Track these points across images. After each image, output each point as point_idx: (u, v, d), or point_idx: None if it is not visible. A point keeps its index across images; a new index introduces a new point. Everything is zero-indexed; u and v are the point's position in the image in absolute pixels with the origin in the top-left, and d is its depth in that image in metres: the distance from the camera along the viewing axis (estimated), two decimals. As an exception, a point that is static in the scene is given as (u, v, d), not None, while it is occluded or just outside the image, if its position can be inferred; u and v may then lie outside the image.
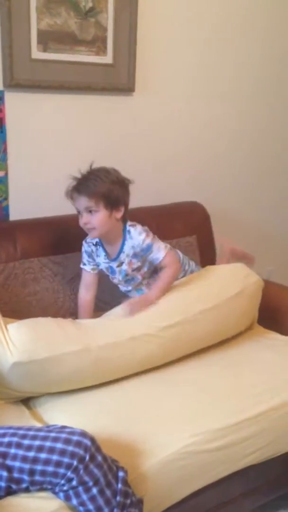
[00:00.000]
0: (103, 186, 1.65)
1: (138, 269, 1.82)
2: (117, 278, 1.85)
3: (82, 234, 2.01)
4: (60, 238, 1.97)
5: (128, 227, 1.76)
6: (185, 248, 2.20)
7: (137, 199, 2.10)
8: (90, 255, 1.84)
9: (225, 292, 1.80)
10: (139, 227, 1.76)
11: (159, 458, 1.31)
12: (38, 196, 2.07)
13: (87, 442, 1.13)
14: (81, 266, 1.86)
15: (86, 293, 1.85)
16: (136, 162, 2.27)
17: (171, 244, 2.16)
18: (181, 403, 1.49)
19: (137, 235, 1.74)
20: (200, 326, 1.71)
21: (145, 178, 2.31)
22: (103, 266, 1.84)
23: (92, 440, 1.15)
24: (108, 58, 2.06)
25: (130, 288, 1.88)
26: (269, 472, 1.60)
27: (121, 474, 1.18)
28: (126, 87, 2.14)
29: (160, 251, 1.74)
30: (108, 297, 1.94)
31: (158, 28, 2.18)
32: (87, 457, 1.12)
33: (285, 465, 1.62)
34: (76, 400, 1.50)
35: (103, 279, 1.89)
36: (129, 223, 1.78)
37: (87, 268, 1.85)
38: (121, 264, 1.79)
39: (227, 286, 1.83)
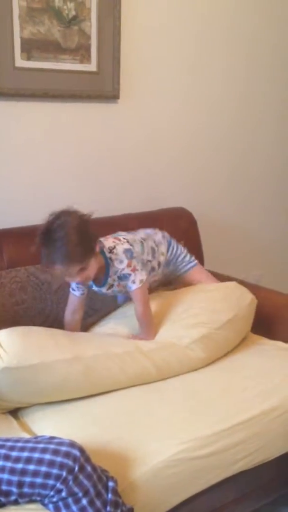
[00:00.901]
0: (80, 246, 1.55)
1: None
2: (111, 295, 1.87)
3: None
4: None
5: (108, 256, 1.69)
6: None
7: (124, 206, 2.11)
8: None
9: (217, 318, 1.79)
10: (120, 251, 1.69)
11: (149, 466, 1.30)
12: (23, 205, 2.06)
13: (76, 452, 1.12)
14: (70, 290, 1.78)
15: (73, 315, 1.80)
16: (122, 169, 2.27)
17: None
18: (171, 410, 1.48)
19: (118, 263, 1.69)
20: (191, 352, 1.71)
21: (132, 185, 2.31)
22: (94, 289, 1.81)
23: (81, 450, 1.14)
24: (92, 66, 2.06)
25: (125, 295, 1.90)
26: (261, 477, 1.59)
27: (111, 484, 1.17)
28: (111, 95, 2.14)
29: (134, 284, 1.70)
30: (98, 304, 1.95)
31: (142, 35, 2.19)
32: (76, 468, 1.11)
33: (276, 470, 1.62)
34: (64, 410, 1.49)
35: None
36: (106, 246, 1.69)
37: (77, 293, 1.77)
38: (111, 286, 1.77)
39: (220, 311, 1.81)
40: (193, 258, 2.02)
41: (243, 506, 1.60)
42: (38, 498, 1.12)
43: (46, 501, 1.12)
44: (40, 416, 1.48)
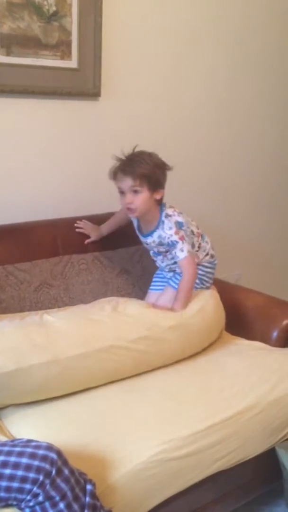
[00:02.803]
0: (147, 168, 1.75)
1: (165, 251, 1.91)
2: (149, 251, 2.00)
3: (49, 241, 1.99)
4: (26, 245, 1.94)
5: (163, 217, 1.84)
6: (154, 253, 2.20)
7: (105, 204, 2.10)
8: None
9: (186, 312, 1.81)
10: (173, 220, 1.83)
11: (127, 468, 1.29)
12: (1, 203, 2.03)
13: (53, 456, 1.11)
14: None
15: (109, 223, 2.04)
16: (103, 167, 2.24)
17: (139, 251, 2.18)
18: (149, 411, 1.48)
19: (167, 229, 1.83)
20: (166, 341, 1.71)
21: (113, 183, 2.29)
22: (138, 234, 1.97)
23: (59, 453, 1.13)
24: (73, 63, 2.04)
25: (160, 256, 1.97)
26: (239, 477, 1.60)
27: (89, 487, 1.16)
28: (92, 92, 2.12)
29: (182, 252, 1.82)
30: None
31: (124, 32, 2.18)
32: (54, 472, 1.09)
33: (254, 470, 1.62)
34: (43, 411, 1.47)
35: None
36: (166, 211, 1.86)
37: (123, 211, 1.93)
38: (152, 242, 1.91)
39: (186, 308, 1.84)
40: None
41: (222, 506, 1.60)
42: (15, 503, 1.11)
43: (22, 505, 1.11)
44: (18, 417, 1.46)
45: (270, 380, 1.67)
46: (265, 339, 1.96)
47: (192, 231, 1.94)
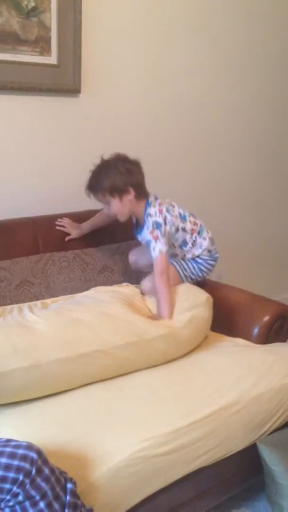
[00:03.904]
0: (106, 182, 1.85)
1: None
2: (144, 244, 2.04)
3: (30, 239, 1.98)
4: (6, 243, 1.92)
5: (147, 211, 1.91)
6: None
7: (86, 202, 2.08)
8: None
9: (177, 319, 1.81)
10: (152, 220, 1.90)
11: (109, 466, 1.29)
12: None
13: (33, 455, 1.10)
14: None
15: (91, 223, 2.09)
16: (83, 164, 2.23)
17: (121, 248, 2.17)
18: (131, 408, 1.47)
19: (146, 228, 1.92)
20: (152, 350, 1.70)
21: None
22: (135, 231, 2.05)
23: (39, 452, 1.12)
24: (52, 59, 2.02)
25: None
26: (221, 472, 1.61)
27: (69, 485, 1.15)
28: (72, 88, 2.11)
29: (154, 251, 1.89)
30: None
31: (104, 28, 2.17)
32: (33, 471, 1.08)
33: (236, 465, 1.63)
34: (23, 411, 1.45)
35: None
36: (149, 210, 1.91)
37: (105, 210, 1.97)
38: (140, 239, 2.00)
39: (177, 316, 1.83)
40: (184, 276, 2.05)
41: (204, 502, 1.61)
42: (-6, 503, 1.09)
43: (2, 505, 1.09)
44: (-2, 416, 1.45)
45: (252, 376, 1.68)
46: (247, 336, 1.97)
47: (183, 228, 1.98)
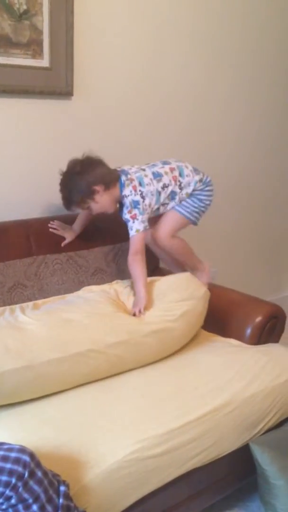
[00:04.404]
0: (72, 194, 1.87)
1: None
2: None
3: (22, 241, 1.98)
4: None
5: (123, 193, 1.90)
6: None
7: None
8: None
9: (170, 312, 1.81)
10: (129, 200, 1.89)
11: (102, 468, 1.29)
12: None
13: (26, 458, 1.10)
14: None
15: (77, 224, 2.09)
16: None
17: (114, 250, 2.18)
18: (124, 410, 1.48)
19: (124, 208, 1.92)
20: (145, 346, 1.71)
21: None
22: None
23: (32, 455, 1.12)
24: (45, 62, 2.03)
25: None
26: (214, 473, 1.62)
27: (62, 488, 1.16)
28: (64, 91, 2.11)
29: (131, 231, 1.91)
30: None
31: (96, 30, 2.17)
32: (26, 474, 1.09)
33: (229, 466, 1.64)
34: (16, 413, 1.46)
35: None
36: (125, 191, 1.90)
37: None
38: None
39: (173, 306, 1.84)
40: (191, 211, 2.05)
41: (197, 502, 1.62)
42: (-13, 506, 1.10)
43: (-5, 508, 1.10)
44: (-9, 419, 1.45)
45: (245, 377, 1.69)
46: (239, 336, 1.98)
47: (163, 186, 1.95)
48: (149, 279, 1.95)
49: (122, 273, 2.13)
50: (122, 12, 2.23)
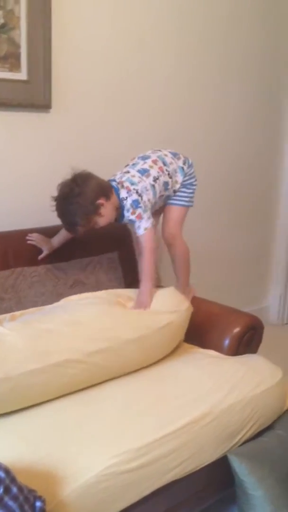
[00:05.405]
0: (76, 217, 1.82)
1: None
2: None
3: (0, 253, 1.96)
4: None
5: (120, 197, 1.90)
6: (107, 265, 2.20)
7: (56, 218, 2.08)
8: None
9: (154, 322, 1.82)
10: (128, 202, 1.90)
11: (79, 483, 1.28)
12: None
13: (1, 474, 1.09)
14: None
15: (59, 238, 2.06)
16: (53, 179, 2.24)
17: (93, 262, 2.17)
18: (102, 424, 1.47)
19: (126, 211, 1.92)
20: (125, 354, 1.70)
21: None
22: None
23: (7, 471, 1.11)
24: (22, 75, 2.04)
25: None
26: (193, 485, 1.61)
27: (38, 504, 1.14)
28: (42, 104, 2.12)
29: (139, 230, 1.93)
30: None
31: (74, 43, 2.19)
32: (1, 490, 1.07)
33: (208, 478, 1.64)
34: (-8, 428, 1.44)
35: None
36: (121, 194, 1.90)
37: None
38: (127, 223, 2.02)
39: (156, 316, 1.85)
40: (189, 199, 2.10)
41: (176, 515, 1.61)
42: None
43: None
44: None
45: (223, 388, 1.69)
46: (218, 347, 1.99)
47: (154, 178, 1.95)
48: (135, 290, 1.96)
49: (101, 285, 2.13)
50: (100, 26, 2.26)
